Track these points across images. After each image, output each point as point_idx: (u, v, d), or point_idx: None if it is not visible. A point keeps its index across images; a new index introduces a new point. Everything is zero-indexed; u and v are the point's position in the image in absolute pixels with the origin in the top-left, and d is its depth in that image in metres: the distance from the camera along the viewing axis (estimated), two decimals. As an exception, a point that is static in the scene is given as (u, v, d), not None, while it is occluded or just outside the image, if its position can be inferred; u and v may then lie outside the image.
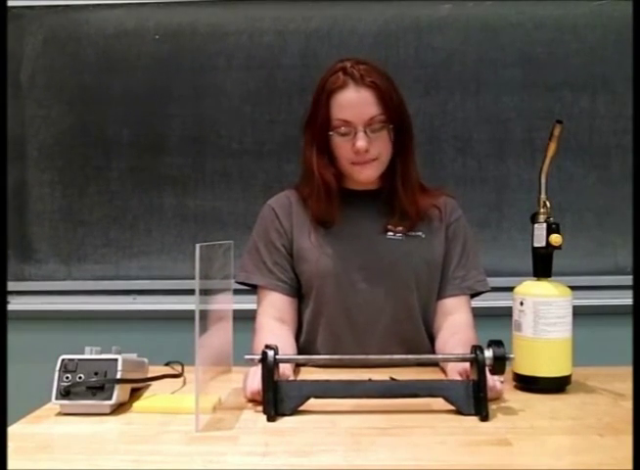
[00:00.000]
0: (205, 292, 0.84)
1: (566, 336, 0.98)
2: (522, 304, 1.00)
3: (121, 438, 0.80)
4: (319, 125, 1.18)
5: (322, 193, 1.21)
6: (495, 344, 0.89)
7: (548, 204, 1.00)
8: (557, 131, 0.99)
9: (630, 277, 1.69)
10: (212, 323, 0.89)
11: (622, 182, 1.84)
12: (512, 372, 1.00)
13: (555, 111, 1.84)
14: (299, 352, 1.24)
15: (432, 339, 1.27)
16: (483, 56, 1.87)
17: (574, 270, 1.78)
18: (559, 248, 0.98)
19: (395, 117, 1.17)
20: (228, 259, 0.99)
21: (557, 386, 0.97)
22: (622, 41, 1.81)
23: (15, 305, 1.90)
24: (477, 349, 0.87)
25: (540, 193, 1.01)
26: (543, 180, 1.01)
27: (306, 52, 1.87)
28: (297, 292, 1.26)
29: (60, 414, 0.86)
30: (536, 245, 1.00)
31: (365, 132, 1.15)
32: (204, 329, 0.81)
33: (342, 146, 1.18)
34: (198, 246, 0.79)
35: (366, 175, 1.20)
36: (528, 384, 0.97)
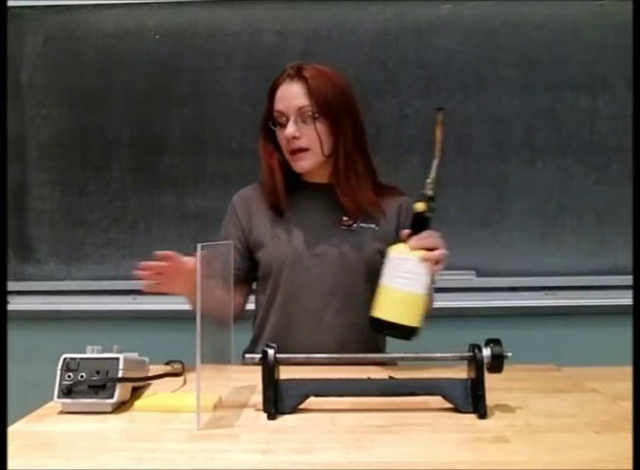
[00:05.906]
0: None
1: (418, 291, 1.04)
2: (387, 258, 1.08)
3: (123, 436, 0.80)
4: (265, 118, 1.29)
5: (268, 178, 1.29)
6: (493, 342, 0.89)
7: (430, 180, 1.07)
8: (439, 118, 1.10)
9: (630, 277, 1.70)
10: (213, 322, 0.90)
11: (622, 182, 1.85)
12: (369, 317, 1.06)
13: (555, 111, 1.84)
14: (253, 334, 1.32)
15: None
16: (483, 56, 1.88)
17: (574, 270, 1.78)
18: (423, 215, 1.07)
19: (327, 110, 1.22)
20: (228, 259, 0.99)
21: (404, 333, 1.05)
22: (622, 41, 1.82)
23: (15, 304, 1.90)
24: (475, 347, 0.87)
25: (430, 174, 1.08)
26: (435, 163, 1.09)
27: (306, 52, 1.87)
28: (245, 280, 1.32)
29: (62, 413, 0.86)
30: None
31: (295, 122, 1.22)
32: (204, 328, 0.82)
33: (280, 136, 1.27)
34: (199, 245, 0.79)
35: (299, 166, 1.27)
36: (380, 326, 1.05)
